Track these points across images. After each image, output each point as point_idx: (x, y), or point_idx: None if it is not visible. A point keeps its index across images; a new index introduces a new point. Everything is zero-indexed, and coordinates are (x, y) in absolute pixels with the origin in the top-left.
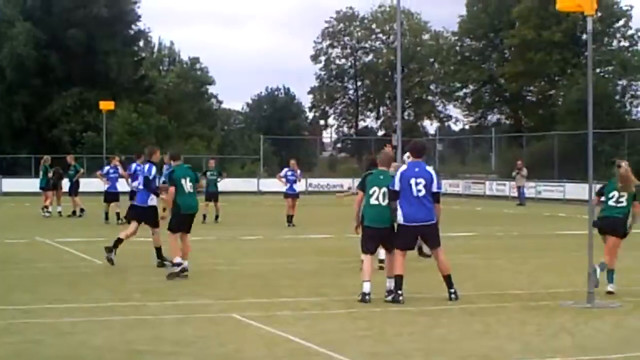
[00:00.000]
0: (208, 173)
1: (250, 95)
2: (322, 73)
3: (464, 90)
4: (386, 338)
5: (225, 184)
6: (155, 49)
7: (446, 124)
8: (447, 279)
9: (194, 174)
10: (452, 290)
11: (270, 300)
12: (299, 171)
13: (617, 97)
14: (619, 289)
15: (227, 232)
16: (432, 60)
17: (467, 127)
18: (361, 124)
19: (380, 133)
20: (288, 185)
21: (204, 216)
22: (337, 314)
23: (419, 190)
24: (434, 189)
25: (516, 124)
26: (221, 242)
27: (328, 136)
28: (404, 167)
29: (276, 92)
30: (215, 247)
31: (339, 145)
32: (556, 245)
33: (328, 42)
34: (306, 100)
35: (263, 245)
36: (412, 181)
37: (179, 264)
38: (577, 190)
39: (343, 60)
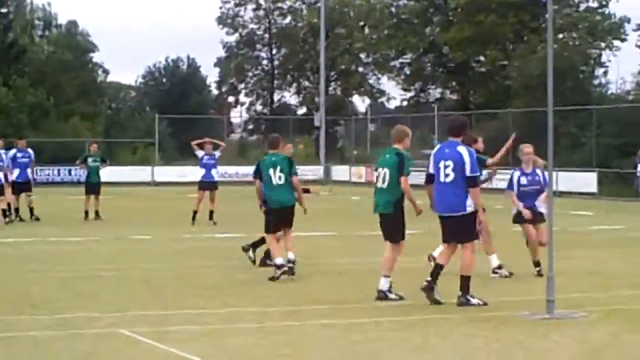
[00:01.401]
0: (89, 159)
1: (145, 67)
2: (231, 40)
3: (401, 59)
4: (306, 356)
5: (112, 174)
6: (27, 11)
7: (379, 100)
8: (463, 281)
9: (286, 163)
10: (460, 294)
11: (165, 312)
12: (217, 152)
13: (584, 68)
14: (583, 296)
15: (113, 230)
16: (362, 24)
17: (404, 104)
18: (278, 101)
19: (301, 111)
20: (204, 171)
21: (86, 213)
22: (248, 329)
23: (447, 175)
24: (467, 173)
25: (463, 100)
26: (105, 243)
27: (238, 115)
28: (436, 148)
29: (177, 63)
30: (99, 249)
31: (250, 126)
32: (512, 245)
33: (237, 1)
34: (212, 73)
35: (157, 247)
36: (441, 164)
37: (280, 265)
38: None
39: (255, 24)
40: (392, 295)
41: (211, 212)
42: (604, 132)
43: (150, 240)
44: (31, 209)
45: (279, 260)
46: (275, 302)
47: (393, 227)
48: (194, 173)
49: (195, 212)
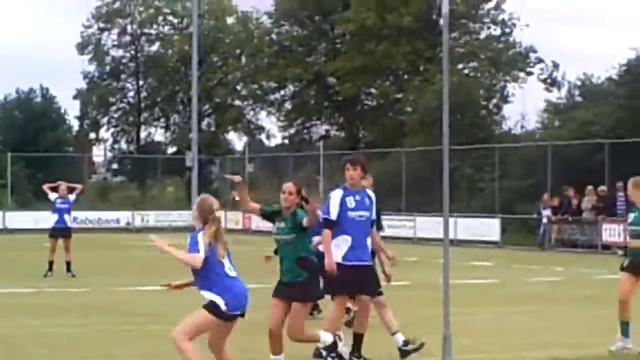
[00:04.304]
0: None
1: None
2: (92, 70)
3: (282, 92)
4: None
5: None
6: None
7: (258, 137)
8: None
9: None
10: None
11: None
12: (72, 196)
13: (485, 103)
14: (485, 358)
15: None
16: (238, 51)
17: (285, 141)
18: (146, 138)
19: (171, 150)
20: (57, 217)
21: None
22: None
23: None
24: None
25: (352, 137)
26: None
27: (100, 154)
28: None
29: (29, 95)
30: None
31: (115, 165)
32: (405, 301)
33: (100, 25)
34: (71, 106)
35: (11, 301)
36: None
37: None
38: (432, 225)
39: (120, 51)
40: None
41: (68, 263)
42: (507, 173)
43: (5, 295)
44: None
45: None
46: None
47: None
48: (50, 219)
49: (51, 263)
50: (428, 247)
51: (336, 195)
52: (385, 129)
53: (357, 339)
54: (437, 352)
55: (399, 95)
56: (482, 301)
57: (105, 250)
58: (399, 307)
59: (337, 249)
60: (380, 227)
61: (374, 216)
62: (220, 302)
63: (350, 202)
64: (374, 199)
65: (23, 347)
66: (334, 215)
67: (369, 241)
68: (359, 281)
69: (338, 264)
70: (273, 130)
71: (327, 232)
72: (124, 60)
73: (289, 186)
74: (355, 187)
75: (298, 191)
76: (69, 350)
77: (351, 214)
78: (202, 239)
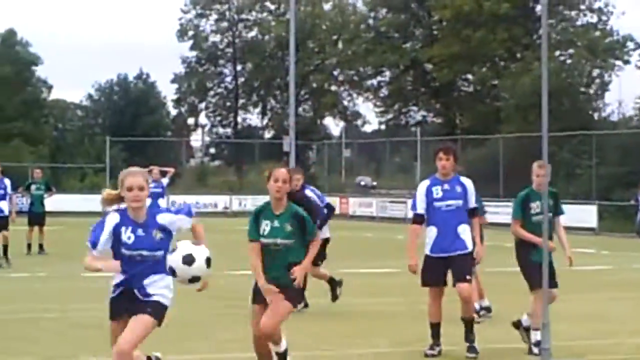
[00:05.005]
0: (33, 187)
1: (93, 83)
2: (191, 56)
3: (379, 77)
4: None
5: (59, 202)
6: None
7: (354, 123)
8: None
9: None
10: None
11: None
12: (165, 180)
13: (583, 89)
14: (583, 344)
15: (59, 267)
16: (335, 37)
17: (382, 127)
18: (243, 123)
19: (268, 135)
20: (151, 201)
21: (29, 245)
22: None
23: None
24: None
25: (448, 123)
26: (51, 281)
27: (198, 138)
28: None
29: (129, 80)
30: (42, 288)
31: (212, 150)
32: (506, 286)
33: (198, 12)
34: (170, 91)
35: (105, 286)
36: None
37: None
38: None
39: (218, 37)
40: None
41: None
42: (605, 160)
43: (102, 279)
44: None
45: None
46: (238, 347)
47: None
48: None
49: None
50: None
51: (422, 187)
52: (482, 115)
53: (466, 325)
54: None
55: (496, 82)
56: (581, 288)
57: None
58: (498, 293)
59: (426, 241)
60: (483, 213)
61: (471, 204)
62: None
63: (437, 191)
64: (468, 185)
65: None
66: (420, 208)
67: (462, 229)
68: (446, 272)
69: (427, 256)
70: (370, 116)
71: (412, 228)
72: (221, 46)
73: (281, 172)
74: (446, 177)
75: (291, 179)
76: (168, 332)
77: (437, 204)
78: None
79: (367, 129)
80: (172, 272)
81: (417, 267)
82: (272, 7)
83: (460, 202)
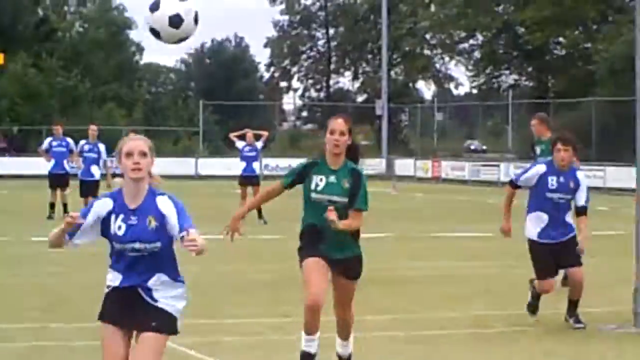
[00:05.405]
0: None
1: (186, 47)
2: (283, 19)
3: (471, 41)
4: None
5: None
6: None
7: (447, 86)
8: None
9: None
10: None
11: (214, 321)
12: (259, 144)
13: None
14: None
15: None
16: (427, 0)
17: (474, 91)
18: (335, 86)
19: (360, 98)
20: (245, 164)
21: None
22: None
23: None
24: None
25: (540, 86)
26: None
27: (290, 102)
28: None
29: (223, 43)
30: None
31: (304, 113)
32: (594, 250)
33: None
34: (262, 55)
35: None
36: None
37: None
38: (622, 175)
39: (310, 1)
40: None
41: (259, 211)
42: None
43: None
44: (64, 205)
45: None
46: (331, 312)
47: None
48: (239, 166)
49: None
50: (617, 196)
51: (537, 169)
52: (574, 79)
53: (572, 303)
54: (628, 301)
55: (588, 45)
56: None
57: (295, 198)
58: (594, 261)
59: (532, 225)
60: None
61: (580, 202)
62: None
63: (552, 182)
64: (582, 182)
65: (214, 291)
66: (521, 181)
67: (569, 218)
68: (557, 258)
69: (533, 241)
70: (462, 79)
71: (510, 192)
72: (313, 9)
73: (338, 123)
74: (563, 168)
75: (350, 130)
76: (262, 295)
77: (550, 194)
78: None
79: (460, 92)
80: (156, 35)
81: (510, 230)
82: None
83: (570, 196)
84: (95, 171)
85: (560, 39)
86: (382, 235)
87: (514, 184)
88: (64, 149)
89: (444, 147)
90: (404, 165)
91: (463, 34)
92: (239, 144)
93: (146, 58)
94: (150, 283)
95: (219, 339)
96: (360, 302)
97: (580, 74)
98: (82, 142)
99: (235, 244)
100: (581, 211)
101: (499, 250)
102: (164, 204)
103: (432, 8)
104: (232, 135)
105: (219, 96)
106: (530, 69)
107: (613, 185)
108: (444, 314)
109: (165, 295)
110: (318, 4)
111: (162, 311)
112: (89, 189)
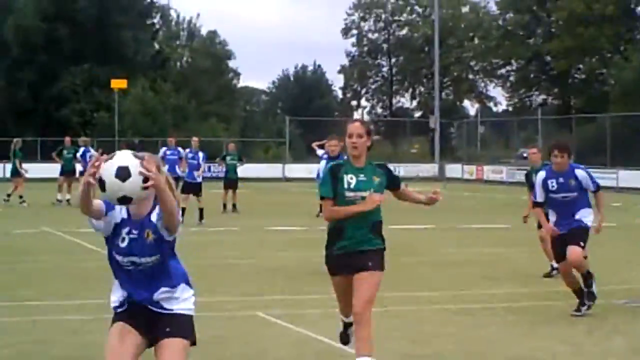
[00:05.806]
0: (227, 157)
1: (276, 73)
2: (354, 50)
3: (507, 67)
4: (422, 339)
5: (247, 170)
6: (173, 23)
7: (488, 104)
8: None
9: None
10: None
11: (296, 297)
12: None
13: None
14: None
15: (249, 222)
16: (471, 34)
17: (509, 108)
18: (396, 104)
19: (417, 114)
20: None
21: (224, 205)
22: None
23: None
24: None
25: (564, 104)
26: (243, 233)
27: (359, 118)
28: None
29: (304, 70)
30: (237, 239)
31: (371, 127)
32: (608, 239)
33: (360, 15)
34: (336, 80)
35: (288, 237)
36: None
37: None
38: (632, 177)
39: (376, 35)
40: None
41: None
42: None
43: (283, 231)
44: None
45: None
46: (392, 289)
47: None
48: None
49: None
50: (627, 195)
51: (539, 179)
52: (592, 98)
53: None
54: (637, 280)
55: (603, 71)
56: None
57: None
58: (608, 247)
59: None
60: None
61: (592, 188)
62: None
63: (553, 185)
64: (582, 176)
65: (297, 274)
66: (540, 198)
67: (580, 214)
68: (563, 243)
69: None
70: (500, 98)
71: (536, 210)
72: (378, 42)
73: (355, 127)
74: (561, 171)
75: (368, 132)
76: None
77: (553, 195)
78: None
79: (499, 109)
80: (102, 185)
81: (553, 229)
82: (420, 9)
83: (575, 194)
84: (196, 174)
85: (581, 65)
86: (433, 227)
87: (536, 203)
88: (175, 157)
89: (485, 155)
90: (453, 169)
91: (501, 62)
92: (319, 152)
93: (242, 82)
94: (157, 297)
95: (302, 311)
96: (415, 280)
97: (597, 94)
98: (186, 150)
99: (317, 234)
100: (595, 191)
101: (529, 240)
102: (157, 214)
103: (476, 41)
104: (314, 145)
105: (302, 113)
106: (556, 90)
107: (624, 185)
108: (483, 291)
109: (176, 300)
110: (382, 37)
111: (179, 316)
112: (191, 189)
